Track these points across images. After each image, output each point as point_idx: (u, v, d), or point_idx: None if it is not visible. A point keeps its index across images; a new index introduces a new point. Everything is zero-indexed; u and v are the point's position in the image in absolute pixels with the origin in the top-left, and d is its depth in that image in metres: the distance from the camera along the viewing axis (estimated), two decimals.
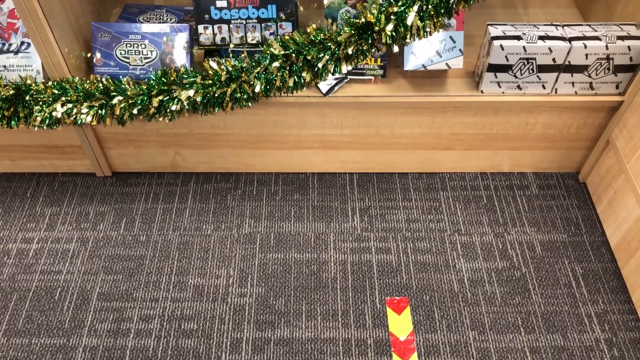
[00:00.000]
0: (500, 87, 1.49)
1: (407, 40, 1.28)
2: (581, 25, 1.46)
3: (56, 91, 1.37)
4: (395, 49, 1.30)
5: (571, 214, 1.62)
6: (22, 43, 1.44)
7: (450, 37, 1.45)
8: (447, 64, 1.46)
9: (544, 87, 1.49)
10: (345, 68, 1.34)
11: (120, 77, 1.44)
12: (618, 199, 1.51)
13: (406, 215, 1.61)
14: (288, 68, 1.34)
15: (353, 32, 1.29)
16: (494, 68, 1.45)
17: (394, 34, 1.26)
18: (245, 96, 1.38)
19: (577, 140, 1.63)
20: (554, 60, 1.43)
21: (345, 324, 1.39)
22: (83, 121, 1.37)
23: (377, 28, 1.26)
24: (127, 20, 1.63)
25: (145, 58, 1.47)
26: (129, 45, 1.46)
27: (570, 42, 1.40)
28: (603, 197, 1.59)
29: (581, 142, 1.63)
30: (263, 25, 1.46)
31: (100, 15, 1.63)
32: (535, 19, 1.73)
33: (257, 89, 1.36)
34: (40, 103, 1.37)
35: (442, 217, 1.61)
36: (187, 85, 1.36)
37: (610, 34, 1.42)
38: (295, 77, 1.35)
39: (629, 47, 1.40)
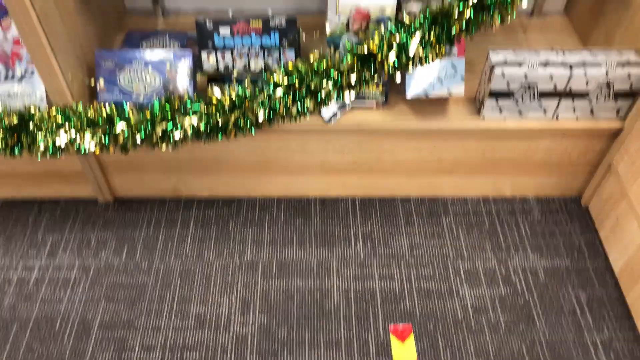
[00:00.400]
0: (501, 112, 1.50)
1: (409, 69, 1.29)
2: (581, 51, 1.47)
3: (60, 118, 1.37)
4: (398, 77, 1.31)
5: (574, 239, 1.62)
6: (26, 70, 1.44)
7: (452, 64, 1.46)
8: (448, 91, 1.47)
9: (545, 112, 1.50)
10: (348, 96, 1.34)
11: (124, 103, 1.44)
12: (620, 225, 1.51)
13: (409, 241, 1.61)
14: (291, 96, 1.35)
15: (356, 60, 1.30)
16: (496, 94, 1.46)
17: (396, 62, 1.27)
18: (248, 124, 1.38)
19: (578, 165, 1.63)
20: (555, 86, 1.44)
21: (349, 353, 1.37)
22: (86, 150, 1.37)
23: (379, 57, 1.27)
24: (130, 46, 1.64)
25: (149, 85, 1.47)
26: (132, 72, 1.47)
27: (571, 69, 1.41)
28: (605, 222, 1.59)
29: (583, 166, 1.64)
30: (266, 52, 1.47)
31: (103, 41, 1.64)
32: (535, 43, 1.75)
33: (260, 118, 1.36)
34: (44, 131, 1.37)
35: (445, 242, 1.61)
36: (191, 113, 1.36)
37: (610, 61, 1.43)
38: (299, 105, 1.35)
39: (629, 74, 1.41)
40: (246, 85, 1.36)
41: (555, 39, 1.76)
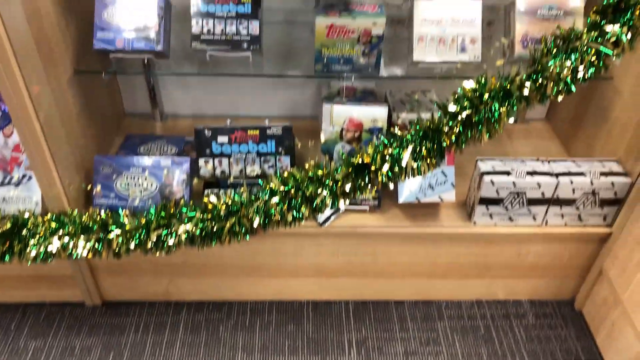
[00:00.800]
0: (492, 218, 1.53)
1: (403, 179, 1.33)
2: (565, 160, 1.53)
3: (54, 224, 1.37)
4: (391, 186, 1.34)
5: (570, 344, 1.60)
6: (24, 176, 1.45)
7: (442, 171, 1.51)
8: (440, 197, 1.50)
9: (534, 218, 1.53)
10: (342, 204, 1.36)
11: (119, 208, 1.44)
12: (616, 332, 1.49)
13: (404, 348, 1.57)
14: (287, 203, 1.37)
15: (350, 170, 1.33)
16: (486, 201, 1.50)
17: (389, 173, 1.30)
18: (243, 230, 1.39)
19: (569, 269, 1.64)
20: (543, 194, 1.48)
21: None
22: (79, 256, 1.35)
23: (373, 168, 1.31)
24: (128, 149, 1.67)
25: (145, 190, 1.49)
26: (129, 177, 1.48)
27: (557, 178, 1.46)
28: (601, 328, 1.58)
29: (574, 270, 1.65)
30: (262, 158, 1.51)
31: (102, 144, 1.67)
32: (520, 149, 1.81)
33: (255, 224, 1.37)
34: (37, 237, 1.36)
35: (440, 349, 1.57)
36: (186, 220, 1.37)
37: (594, 170, 1.49)
38: (294, 212, 1.37)
39: (612, 183, 1.46)
40: (242, 192, 1.38)
41: (540, 145, 1.84)
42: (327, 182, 1.34)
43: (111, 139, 1.76)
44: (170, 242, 1.36)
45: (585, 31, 1.18)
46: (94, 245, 1.37)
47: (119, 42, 1.37)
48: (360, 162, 1.32)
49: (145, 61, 1.49)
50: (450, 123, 1.24)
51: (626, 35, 1.13)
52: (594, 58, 1.16)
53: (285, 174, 1.36)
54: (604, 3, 1.15)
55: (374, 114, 1.49)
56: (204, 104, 1.90)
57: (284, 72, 1.55)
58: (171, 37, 1.43)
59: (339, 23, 1.37)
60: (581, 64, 1.18)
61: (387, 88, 1.71)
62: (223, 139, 1.48)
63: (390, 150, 1.30)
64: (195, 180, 1.54)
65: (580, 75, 1.18)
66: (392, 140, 1.31)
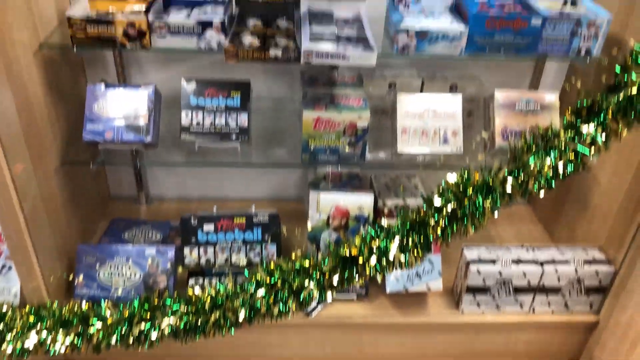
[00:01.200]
0: (479, 307, 1.52)
1: (390, 270, 1.32)
2: (549, 248, 1.55)
3: (32, 318, 1.32)
4: (379, 278, 1.33)
5: None
6: (4, 266, 1.42)
7: (429, 259, 1.51)
8: (427, 286, 1.49)
9: (521, 306, 1.53)
10: (330, 296, 1.34)
11: (101, 300, 1.40)
12: None
13: None
14: (273, 296, 1.34)
15: (338, 262, 1.33)
16: (473, 290, 1.49)
17: (377, 266, 1.30)
18: (228, 324, 1.35)
19: (559, 357, 1.62)
20: (529, 282, 1.49)
21: None
22: (56, 352, 1.30)
23: (361, 260, 1.30)
24: (113, 234, 1.65)
25: (128, 279, 1.46)
26: (112, 267, 1.46)
27: (542, 266, 1.47)
28: None
29: (564, 358, 1.63)
30: (248, 246, 1.50)
31: (86, 230, 1.65)
32: (504, 234, 1.83)
33: (241, 317, 1.34)
34: (14, 331, 1.31)
35: None
36: (170, 313, 1.33)
37: (578, 258, 1.50)
38: (280, 304, 1.35)
39: (596, 271, 1.48)
40: (227, 282, 1.36)
41: (523, 229, 1.86)
42: (314, 274, 1.33)
43: (96, 224, 1.74)
44: (153, 336, 1.32)
45: (562, 130, 1.23)
46: (73, 340, 1.32)
47: (109, 134, 1.38)
48: (348, 254, 1.32)
49: (134, 150, 1.50)
50: (436, 216, 1.26)
51: (601, 135, 1.18)
52: (572, 156, 1.20)
53: (272, 265, 1.35)
54: (578, 105, 1.20)
55: (360, 202, 1.50)
56: (190, 188, 1.91)
57: (271, 158, 1.56)
58: (160, 124, 1.45)
59: (325, 116, 1.41)
60: (560, 160, 1.22)
61: (372, 172, 1.74)
62: (209, 227, 1.48)
63: (377, 243, 1.30)
64: (180, 269, 1.51)
65: (560, 171, 1.22)
66: (379, 231, 1.31)
